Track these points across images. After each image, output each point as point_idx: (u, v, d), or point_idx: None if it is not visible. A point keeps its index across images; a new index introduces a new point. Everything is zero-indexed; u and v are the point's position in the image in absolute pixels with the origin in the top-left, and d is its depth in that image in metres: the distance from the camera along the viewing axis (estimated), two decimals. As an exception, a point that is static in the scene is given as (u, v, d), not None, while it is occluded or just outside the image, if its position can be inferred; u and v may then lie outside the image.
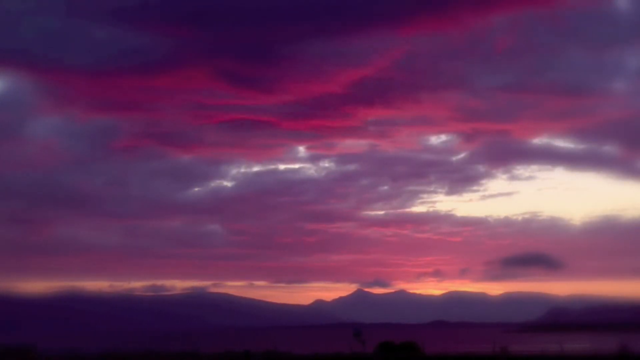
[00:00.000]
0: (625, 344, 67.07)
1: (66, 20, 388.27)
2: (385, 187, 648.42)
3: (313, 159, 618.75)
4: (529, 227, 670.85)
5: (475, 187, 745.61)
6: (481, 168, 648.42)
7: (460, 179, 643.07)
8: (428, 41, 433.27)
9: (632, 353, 65.40)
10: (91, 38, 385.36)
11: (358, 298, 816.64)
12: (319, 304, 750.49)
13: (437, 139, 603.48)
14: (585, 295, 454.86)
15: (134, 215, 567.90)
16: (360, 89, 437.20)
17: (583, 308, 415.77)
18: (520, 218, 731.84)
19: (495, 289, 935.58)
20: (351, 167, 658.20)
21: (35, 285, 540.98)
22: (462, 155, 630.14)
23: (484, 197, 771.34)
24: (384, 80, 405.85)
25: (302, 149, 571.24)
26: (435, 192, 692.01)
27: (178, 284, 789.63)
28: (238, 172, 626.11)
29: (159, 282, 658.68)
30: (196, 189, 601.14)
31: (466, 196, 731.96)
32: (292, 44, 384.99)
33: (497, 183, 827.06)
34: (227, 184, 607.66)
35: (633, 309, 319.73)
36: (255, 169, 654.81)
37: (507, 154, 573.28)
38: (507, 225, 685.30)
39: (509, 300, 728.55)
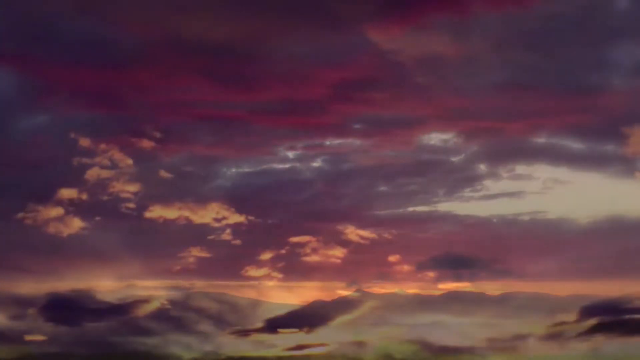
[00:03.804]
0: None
1: (43, 14, 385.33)
2: (383, 188, 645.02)
3: (302, 158, 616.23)
4: (533, 227, 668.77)
5: (477, 187, 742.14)
6: (481, 168, 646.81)
7: (460, 179, 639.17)
8: (414, 38, 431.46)
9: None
10: (67, 32, 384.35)
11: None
12: (318, 305, 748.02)
13: (430, 138, 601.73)
14: (585, 295, 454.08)
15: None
16: (345, 87, 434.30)
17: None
18: (522, 218, 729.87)
19: (495, 289, 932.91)
20: (344, 166, 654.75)
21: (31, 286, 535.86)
22: (461, 155, 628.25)
23: (484, 197, 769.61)
24: (370, 78, 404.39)
25: (290, 148, 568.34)
26: (434, 192, 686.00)
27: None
28: (229, 171, 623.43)
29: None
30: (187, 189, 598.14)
31: (466, 196, 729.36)
32: (274, 41, 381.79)
33: (498, 183, 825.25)
34: (221, 184, 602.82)
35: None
36: (246, 169, 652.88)
37: (507, 154, 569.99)
38: (509, 226, 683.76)
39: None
